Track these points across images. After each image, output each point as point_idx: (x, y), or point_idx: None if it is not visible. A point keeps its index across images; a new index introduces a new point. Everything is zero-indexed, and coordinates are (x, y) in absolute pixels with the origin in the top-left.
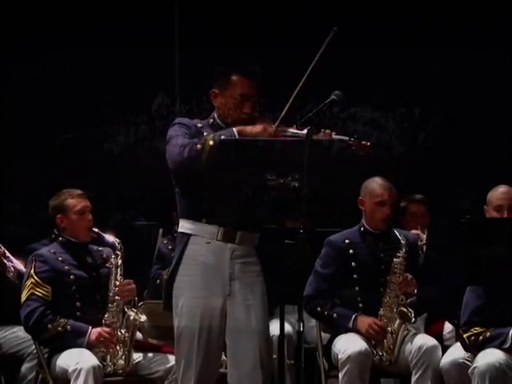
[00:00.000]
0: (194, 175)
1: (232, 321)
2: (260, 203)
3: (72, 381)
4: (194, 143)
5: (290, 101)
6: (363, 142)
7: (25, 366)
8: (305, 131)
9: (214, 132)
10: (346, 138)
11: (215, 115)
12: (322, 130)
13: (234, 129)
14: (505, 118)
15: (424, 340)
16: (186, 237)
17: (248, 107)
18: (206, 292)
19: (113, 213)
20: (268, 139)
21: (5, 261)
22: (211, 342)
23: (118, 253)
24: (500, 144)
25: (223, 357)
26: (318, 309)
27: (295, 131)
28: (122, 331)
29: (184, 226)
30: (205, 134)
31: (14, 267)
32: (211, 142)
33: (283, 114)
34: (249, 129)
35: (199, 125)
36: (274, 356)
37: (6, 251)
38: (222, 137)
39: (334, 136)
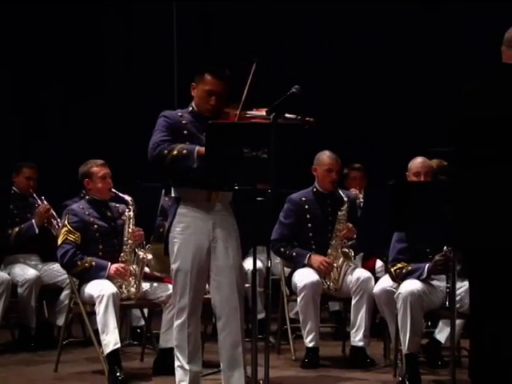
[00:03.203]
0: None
1: (215, 259)
2: (234, 170)
3: (96, 304)
4: (163, 147)
5: (245, 92)
6: (307, 119)
7: (63, 294)
8: (263, 112)
9: (195, 118)
10: (294, 116)
11: (193, 104)
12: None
13: (197, 148)
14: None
15: (361, 273)
16: (177, 199)
17: (213, 101)
18: (195, 239)
19: (127, 177)
20: (236, 122)
21: (51, 219)
22: (200, 276)
23: (131, 208)
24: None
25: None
26: (282, 249)
27: (254, 113)
28: (134, 266)
29: (175, 191)
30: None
31: (58, 224)
32: (175, 152)
33: (242, 102)
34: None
35: (179, 113)
36: (248, 285)
37: (53, 211)
38: (184, 151)
39: (287, 115)
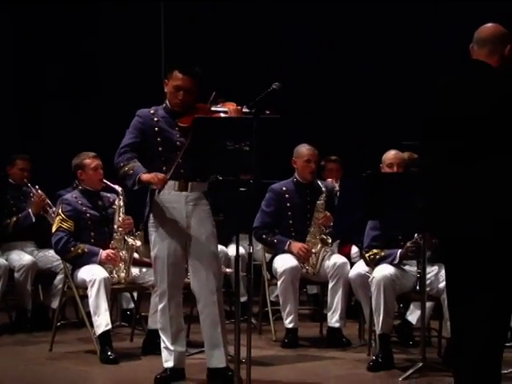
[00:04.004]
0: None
1: (190, 246)
2: (214, 162)
3: (89, 288)
4: (122, 159)
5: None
6: (267, 112)
7: (57, 278)
8: (230, 106)
9: (167, 113)
10: (268, 112)
11: (166, 100)
12: (240, 107)
13: (140, 173)
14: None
15: (337, 258)
16: (153, 190)
17: (181, 95)
18: (170, 228)
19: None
20: (205, 116)
21: (47, 208)
22: (176, 263)
23: (121, 197)
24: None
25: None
26: (263, 236)
27: (218, 108)
28: (124, 252)
29: None
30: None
31: (53, 212)
32: (126, 169)
33: (211, 99)
34: (145, 178)
35: (152, 111)
36: (231, 270)
37: (48, 200)
38: (130, 172)
39: (245, 109)
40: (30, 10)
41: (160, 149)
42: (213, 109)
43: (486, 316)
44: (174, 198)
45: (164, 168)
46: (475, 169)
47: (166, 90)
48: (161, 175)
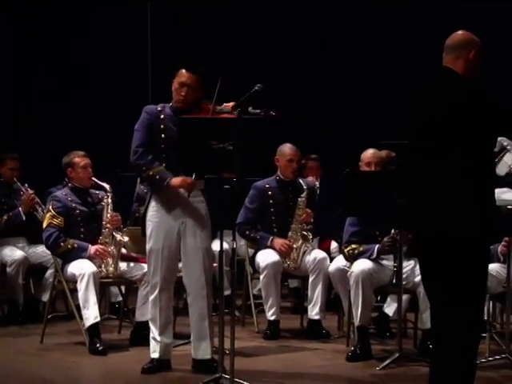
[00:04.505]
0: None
1: (184, 241)
2: (204, 161)
3: (78, 281)
4: (143, 163)
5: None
6: (270, 112)
7: (48, 273)
8: (229, 108)
9: (172, 111)
10: (258, 111)
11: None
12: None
13: (169, 179)
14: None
15: (317, 253)
16: (155, 186)
17: (184, 91)
18: (166, 222)
19: (106, 167)
20: (204, 117)
21: (36, 206)
22: (170, 256)
23: (109, 194)
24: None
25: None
26: (247, 232)
27: (222, 108)
28: (112, 248)
29: None
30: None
31: (42, 211)
32: (150, 173)
33: (214, 99)
34: (177, 184)
35: (159, 108)
36: (216, 264)
37: (37, 198)
38: (157, 177)
39: (251, 110)
40: (20, 11)
41: (162, 146)
42: (219, 108)
43: (461, 308)
44: (173, 193)
45: (164, 164)
46: (437, 167)
47: (172, 89)
48: (189, 179)
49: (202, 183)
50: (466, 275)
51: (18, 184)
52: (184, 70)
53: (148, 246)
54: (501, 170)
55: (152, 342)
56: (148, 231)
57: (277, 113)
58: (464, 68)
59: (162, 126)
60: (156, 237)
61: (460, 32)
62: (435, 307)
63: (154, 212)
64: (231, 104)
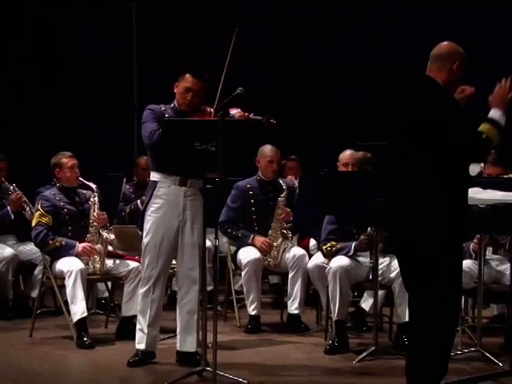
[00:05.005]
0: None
1: (182, 237)
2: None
3: (66, 278)
4: (156, 130)
5: (219, 90)
6: (271, 120)
7: (37, 269)
8: (235, 111)
9: (175, 112)
10: (260, 117)
11: (175, 101)
12: (247, 114)
13: None
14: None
15: (297, 251)
16: (155, 183)
17: (189, 96)
18: (166, 218)
19: (93, 168)
20: (186, 119)
21: (24, 205)
22: (167, 251)
23: (96, 194)
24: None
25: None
26: (229, 230)
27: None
28: (99, 245)
29: (154, 176)
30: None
31: (30, 210)
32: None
33: (216, 100)
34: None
35: (163, 108)
36: None
37: (25, 198)
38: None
39: (252, 116)
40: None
41: None
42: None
43: (436, 305)
44: (173, 191)
45: None
46: (407, 168)
47: (175, 91)
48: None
49: (201, 182)
50: (440, 274)
51: (6, 184)
52: (190, 76)
53: (145, 240)
54: (472, 170)
55: (138, 334)
56: (147, 225)
57: (275, 122)
58: (446, 78)
59: None
60: (155, 231)
61: (445, 43)
62: (412, 303)
63: (154, 208)
64: (235, 109)
